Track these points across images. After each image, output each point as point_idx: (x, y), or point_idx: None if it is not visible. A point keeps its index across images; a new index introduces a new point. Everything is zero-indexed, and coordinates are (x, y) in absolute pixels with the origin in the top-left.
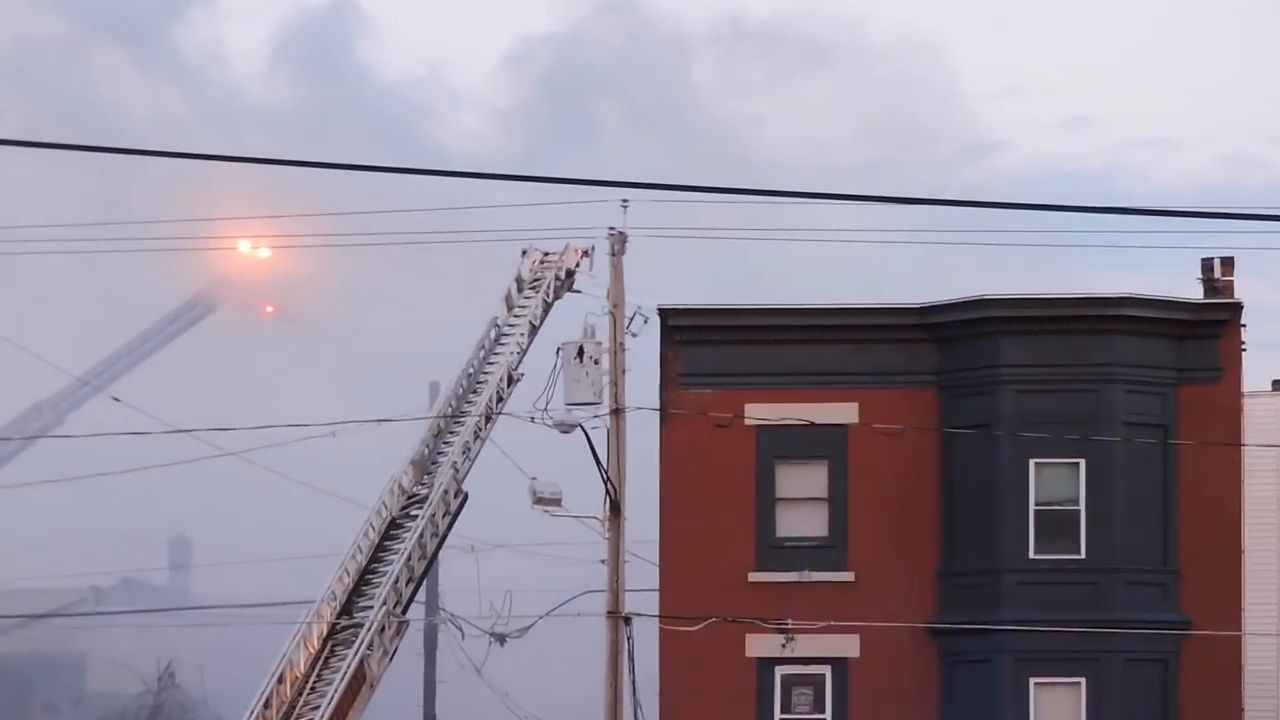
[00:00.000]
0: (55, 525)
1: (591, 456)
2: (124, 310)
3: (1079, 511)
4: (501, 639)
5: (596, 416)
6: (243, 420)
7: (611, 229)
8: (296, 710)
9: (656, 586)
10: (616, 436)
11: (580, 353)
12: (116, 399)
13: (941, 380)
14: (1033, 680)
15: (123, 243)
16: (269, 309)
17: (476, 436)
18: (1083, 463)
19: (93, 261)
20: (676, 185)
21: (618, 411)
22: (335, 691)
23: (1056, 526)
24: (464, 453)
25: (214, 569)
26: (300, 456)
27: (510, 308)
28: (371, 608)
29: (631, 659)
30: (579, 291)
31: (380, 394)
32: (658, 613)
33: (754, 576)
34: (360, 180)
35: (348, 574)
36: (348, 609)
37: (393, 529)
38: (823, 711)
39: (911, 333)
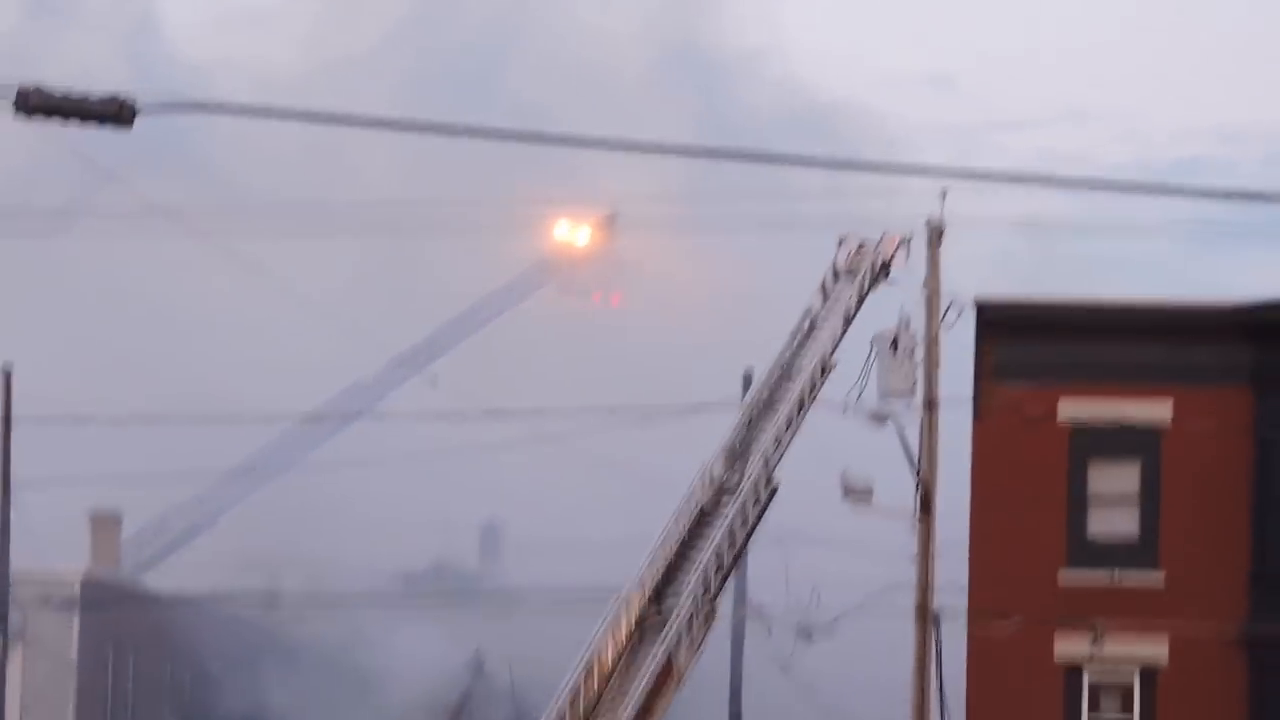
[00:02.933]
0: (370, 507)
1: (902, 450)
2: (443, 292)
3: None
4: (809, 634)
5: (909, 409)
6: (559, 405)
7: (929, 219)
8: (603, 700)
9: (966, 584)
10: (929, 430)
11: (895, 343)
12: (435, 382)
13: (1257, 379)
14: None
15: (443, 223)
16: (589, 293)
17: (788, 426)
18: None
19: (411, 242)
20: (995, 174)
21: (930, 404)
22: (643, 683)
23: None
24: (776, 443)
25: (527, 554)
26: (615, 442)
27: (826, 297)
28: (680, 598)
29: (939, 658)
30: (895, 282)
31: (696, 381)
32: (966, 610)
33: (1064, 576)
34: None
35: (658, 562)
36: (657, 598)
37: (703, 518)
38: (1130, 716)
39: (1228, 331)
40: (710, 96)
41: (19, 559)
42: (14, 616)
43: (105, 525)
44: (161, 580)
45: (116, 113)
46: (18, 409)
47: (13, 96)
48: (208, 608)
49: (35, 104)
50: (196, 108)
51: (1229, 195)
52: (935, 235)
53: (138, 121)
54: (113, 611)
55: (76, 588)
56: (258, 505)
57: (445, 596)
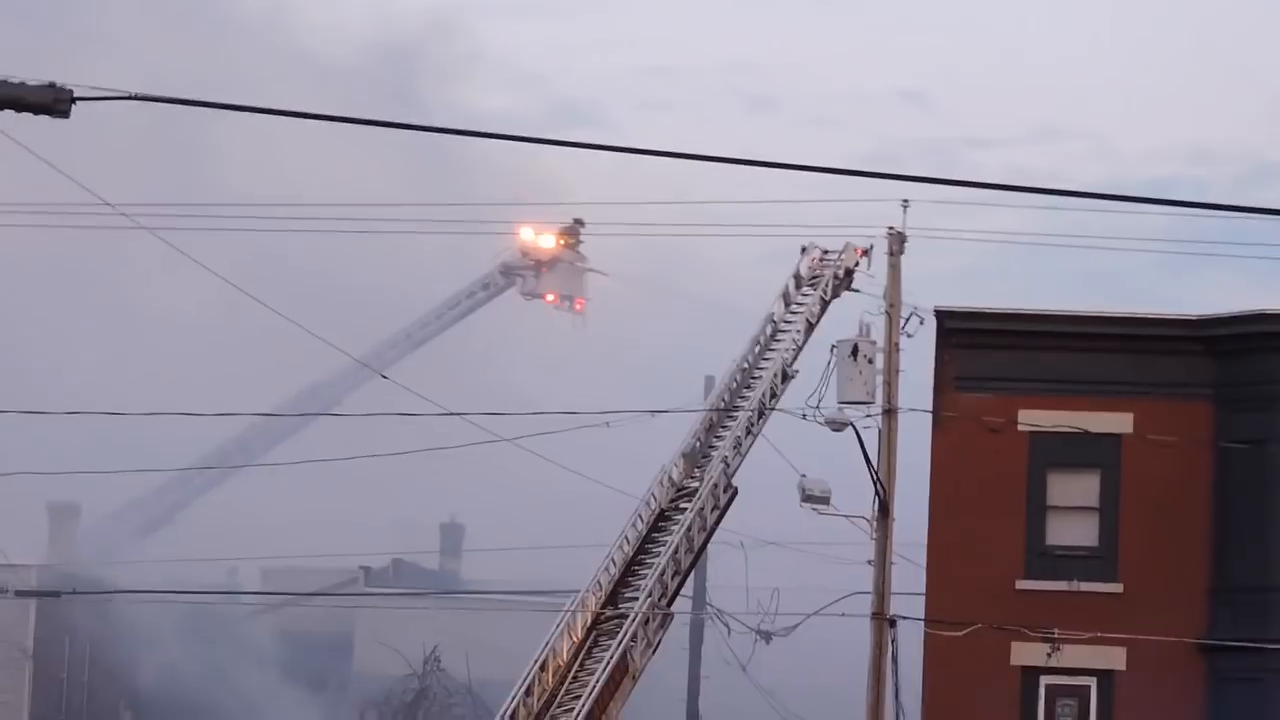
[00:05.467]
0: (328, 506)
1: (862, 456)
2: (406, 293)
3: None
4: (767, 636)
5: (868, 416)
6: (518, 407)
7: (890, 229)
8: (558, 699)
9: (923, 590)
10: (888, 437)
11: (855, 351)
12: (385, 377)
13: (1219, 394)
14: None
15: (407, 224)
16: (549, 297)
17: (748, 432)
18: None
19: (374, 241)
20: (963, 181)
21: (890, 412)
22: (597, 681)
23: None
24: (735, 448)
25: (484, 555)
26: (573, 445)
27: (788, 304)
28: (637, 599)
29: (895, 662)
30: (857, 290)
31: (655, 386)
32: (923, 616)
33: (1021, 584)
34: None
35: (614, 564)
36: (613, 599)
37: (661, 521)
38: None
39: (1189, 344)
40: None
41: None
42: None
43: (63, 516)
44: (120, 573)
45: (52, 102)
46: None
47: None
48: (166, 600)
49: None
50: (135, 97)
51: (1194, 206)
52: (897, 244)
53: (74, 111)
54: (70, 602)
55: (33, 577)
56: (217, 501)
57: (404, 592)
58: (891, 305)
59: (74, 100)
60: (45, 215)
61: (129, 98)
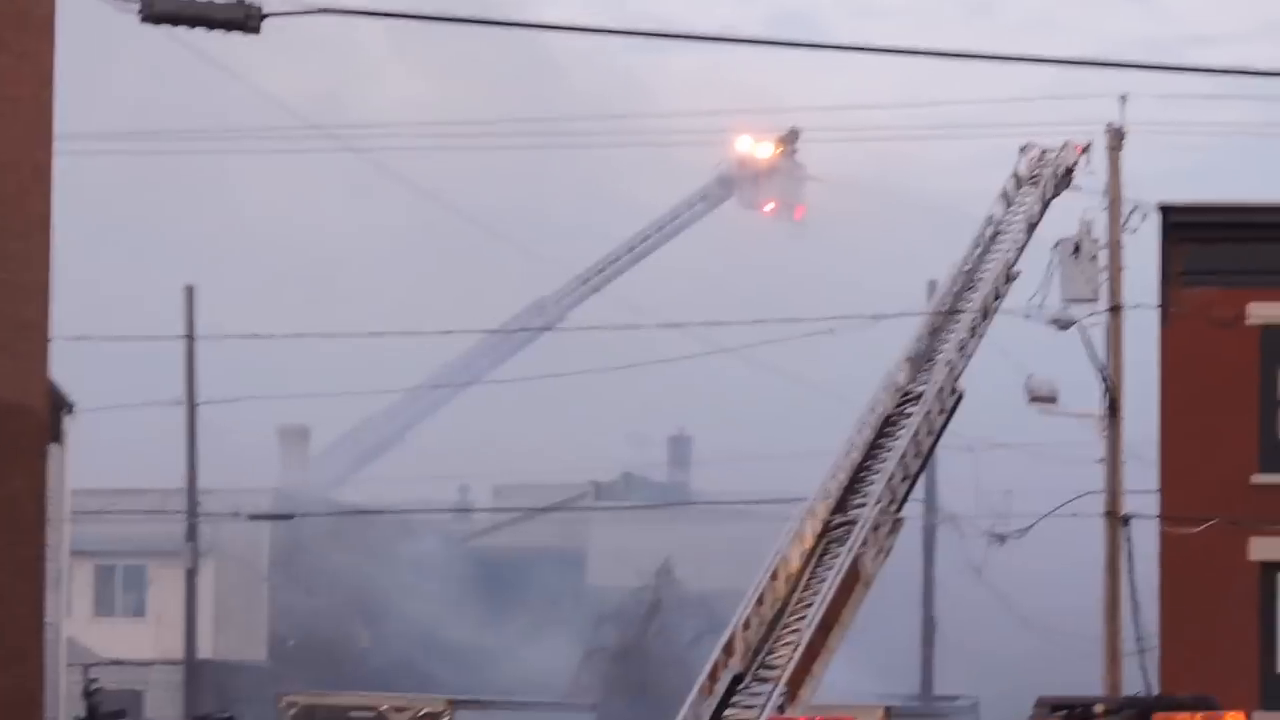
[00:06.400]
0: (555, 422)
1: (1088, 355)
2: (624, 208)
3: None
4: (1001, 539)
5: (1093, 314)
6: (740, 317)
7: (1110, 125)
8: (790, 607)
9: (1156, 488)
10: (1114, 334)
11: (1077, 249)
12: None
13: None
14: None
15: (622, 136)
16: (768, 207)
17: (973, 334)
18: None
19: (590, 156)
20: (1177, 66)
21: (1115, 309)
22: (829, 588)
23: None
24: (959, 350)
25: (712, 465)
26: (797, 353)
27: (1008, 204)
28: (865, 505)
29: (1130, 561)
30: (1077, 189)
31: (877, 292)
32: (1158, 514)
33: (1256, 479)
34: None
35: (843, 471)
36: (842, 506)
37: (887, 426)
38: None
39: None
40: None
41: (210, 475)
42: (204, 529)
43: (293, 439)
44: (352, 493)
45: (243, 19)
46: (202, 328)
47: (139, 4)
48: (400, 520)
49: (161, 11)
50: (324, 11)
51: None
52: (1116, 140)
53: (264, 25)
54: (303, 524)
55: (266, 500)
56: (445, 420)
57: (635, 506)
58: (1113, 200)
59: (263, 16)
60: (238, 138)
61: (318, 11)
